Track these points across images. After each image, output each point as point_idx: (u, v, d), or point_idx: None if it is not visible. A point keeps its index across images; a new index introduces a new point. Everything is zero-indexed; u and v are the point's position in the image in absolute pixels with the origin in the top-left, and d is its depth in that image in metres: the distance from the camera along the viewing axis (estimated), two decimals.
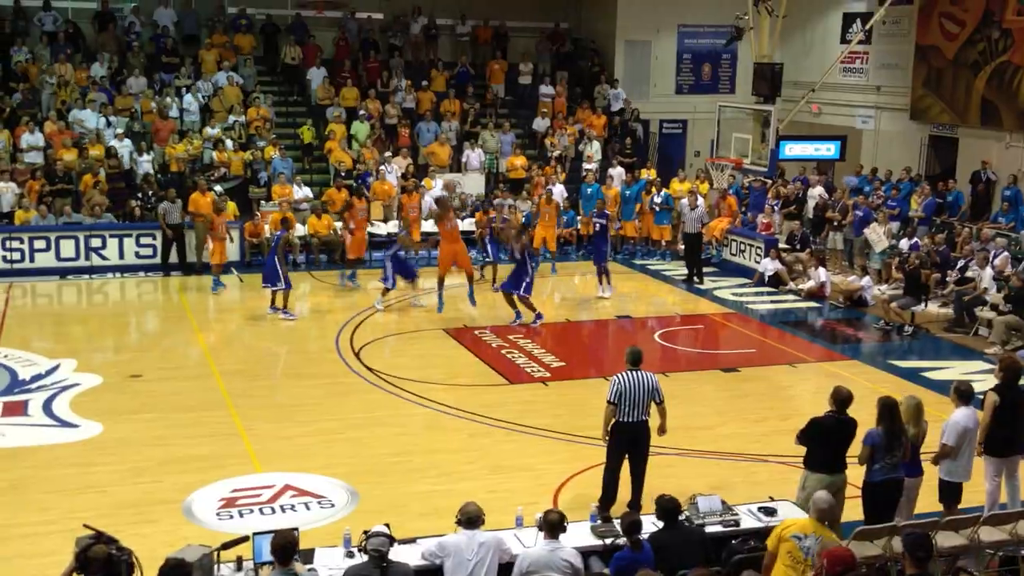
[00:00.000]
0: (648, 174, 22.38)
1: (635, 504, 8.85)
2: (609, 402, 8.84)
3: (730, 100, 24.73)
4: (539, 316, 15.65)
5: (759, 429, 11.60)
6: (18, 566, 8.24)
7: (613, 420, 8.87)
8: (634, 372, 8.90)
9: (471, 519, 6.99)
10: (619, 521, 7.34)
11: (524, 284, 15.35)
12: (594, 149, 23.59)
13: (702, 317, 17.13)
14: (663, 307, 17.60)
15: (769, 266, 18.85)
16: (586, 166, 22.72)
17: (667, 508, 7.29)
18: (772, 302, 18.02)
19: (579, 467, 10.17)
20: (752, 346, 15.40)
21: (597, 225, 17.57)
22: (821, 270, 18.16)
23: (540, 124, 24.37)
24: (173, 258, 18.82)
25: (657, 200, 20.79)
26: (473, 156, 22.75)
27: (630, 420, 8.83)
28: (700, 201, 19.68)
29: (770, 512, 8.00)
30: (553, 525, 6.99)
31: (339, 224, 19.12)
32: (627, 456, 9.00)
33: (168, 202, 18.48)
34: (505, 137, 23.42)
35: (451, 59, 25.60)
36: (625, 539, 7.13)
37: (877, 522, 7.91)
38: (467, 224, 20.08)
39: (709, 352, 15.34)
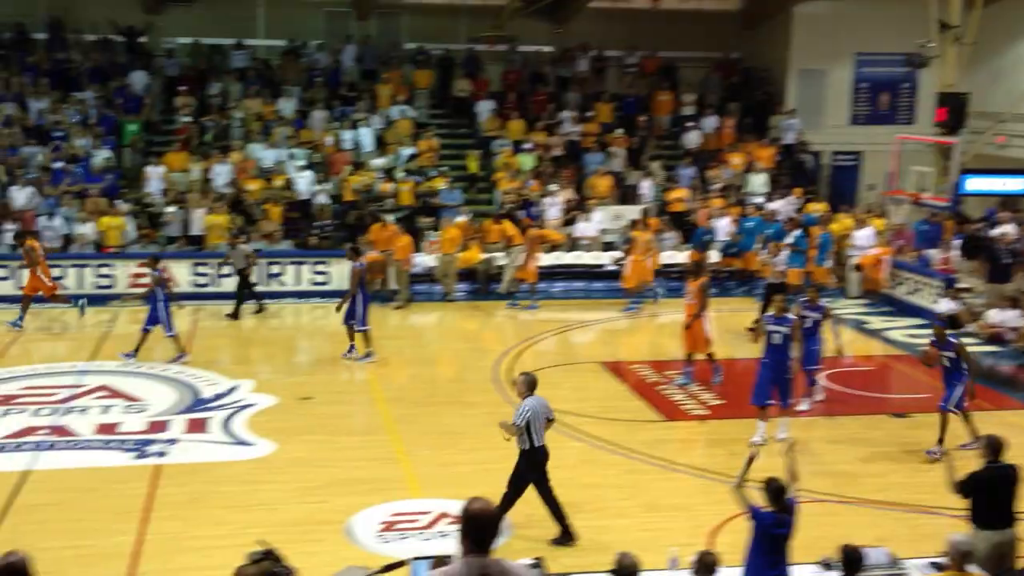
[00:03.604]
0: (818, 208, 21.68)
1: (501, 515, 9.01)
2: (516, 425, 9.09)
3: (909, 131, 23.77)
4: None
5: (929, 479, 11.03)
6: None
7: (529, 446, 9.15)
8: (536, 398, 9.24)
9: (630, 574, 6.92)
10: (765, 487, 7.52)
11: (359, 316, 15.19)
12: (760, 182, 23.09)
13: (871, 358, 16.47)
14: (827, 346, 17.02)
15: (947, 306, 17.91)
16: (751, 199, 22.28)
17: (853, 557, 7.19)
18: None
19: (736, 510, 9.93)
20: (925, 391, 14.67)
21: (809, 321, 13.80)
22: (1012, 312, 17.09)
23: (690, 139, 24.23)
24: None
25: (789, 240, 18.44)
26: (645, 186, 22.65)
27: (542, 443, 9.24)
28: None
29: (941, 568, 7.60)
30: (709, 566, 7.01)
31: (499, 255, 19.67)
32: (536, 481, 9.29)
33: (231, 248, 18.60)
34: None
35: (616, 90, 25.69)
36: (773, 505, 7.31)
37: None
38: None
39: (878, 395, 14.72)
